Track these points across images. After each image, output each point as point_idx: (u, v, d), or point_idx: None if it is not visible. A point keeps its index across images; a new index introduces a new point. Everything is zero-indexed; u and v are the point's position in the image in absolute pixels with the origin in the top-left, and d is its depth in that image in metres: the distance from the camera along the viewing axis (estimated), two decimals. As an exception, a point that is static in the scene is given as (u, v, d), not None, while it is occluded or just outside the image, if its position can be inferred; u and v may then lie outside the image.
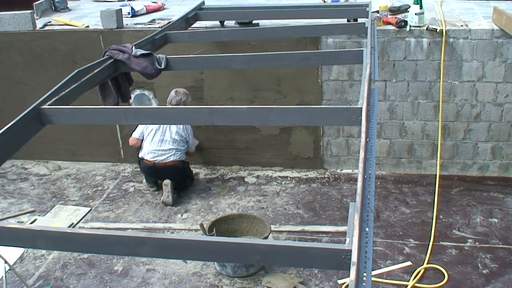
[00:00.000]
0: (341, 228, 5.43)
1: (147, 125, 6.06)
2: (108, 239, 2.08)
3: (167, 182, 6.00)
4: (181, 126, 6.14)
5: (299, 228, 5.51)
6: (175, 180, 6.11)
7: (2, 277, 4.37)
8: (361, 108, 2.84)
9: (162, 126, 6.09)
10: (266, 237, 4.92)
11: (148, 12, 7.13)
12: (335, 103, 6.28)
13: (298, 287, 4.63)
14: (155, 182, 6.33)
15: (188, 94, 6.15)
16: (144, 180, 6.44)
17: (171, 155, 6.08)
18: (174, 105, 5.99)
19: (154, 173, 6.21)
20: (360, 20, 5.80)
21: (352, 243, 1.88)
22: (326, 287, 4.65)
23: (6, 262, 4.36)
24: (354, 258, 1.80)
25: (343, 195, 6.09)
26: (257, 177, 6.62)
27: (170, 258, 4.87)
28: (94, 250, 2.13)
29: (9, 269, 4.51)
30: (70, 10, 7.58)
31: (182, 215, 5.83)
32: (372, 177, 2.42)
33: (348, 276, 1.75)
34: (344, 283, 4.66)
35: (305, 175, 6.59)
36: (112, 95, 4.36)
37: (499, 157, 6.28)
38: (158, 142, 6.07)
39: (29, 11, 6.64)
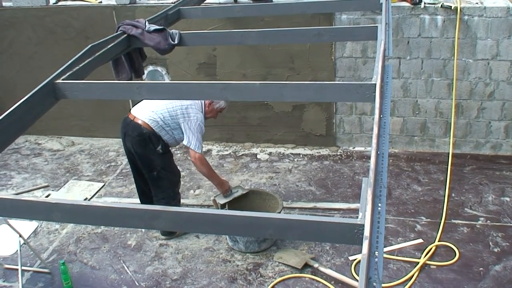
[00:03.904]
0: (353, 205, 5.44)
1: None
2: (123, 212, 2.09)
3: None
4: (178, 111, 4.82)
5: (311, 205, 5.52)
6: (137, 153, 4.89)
7: (17, 251, 4.42)
8: (375, 84, 2.82)
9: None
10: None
11: (161, -13, 7.07)
12: (348, 81, 6.25)
13: (309, 263, 4.66)
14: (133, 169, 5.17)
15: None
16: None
17: (146, 116, 4.80)
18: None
19: (122, 128, 4.94)
20: (374, -4, 5.75)
21: (365, 218, 1.88)
22: (338, 263, 4.68)
23: (20, 236, 4.41)
24: (366, 232, 1.80)
25: (355, 173, 6.09)
26: (270, 154, 6.63)
27: (184, 231, 4.92)
28: (109, 222, 2.14)
29: (24, 243, 4.55)
30: (83, -15, 7.56)
31: (194, 191, 5.86)
32: (385, 153, 2.41)
33: (359, 252, 1.76)
34: (355, 259, 4.68)
35: (318, 153, 6.59)
36: (125, 70, 4.35)
37: (512, 136, 6.25)
38: (150, 102, 4.87)
39: (43, -13, 6.62)
